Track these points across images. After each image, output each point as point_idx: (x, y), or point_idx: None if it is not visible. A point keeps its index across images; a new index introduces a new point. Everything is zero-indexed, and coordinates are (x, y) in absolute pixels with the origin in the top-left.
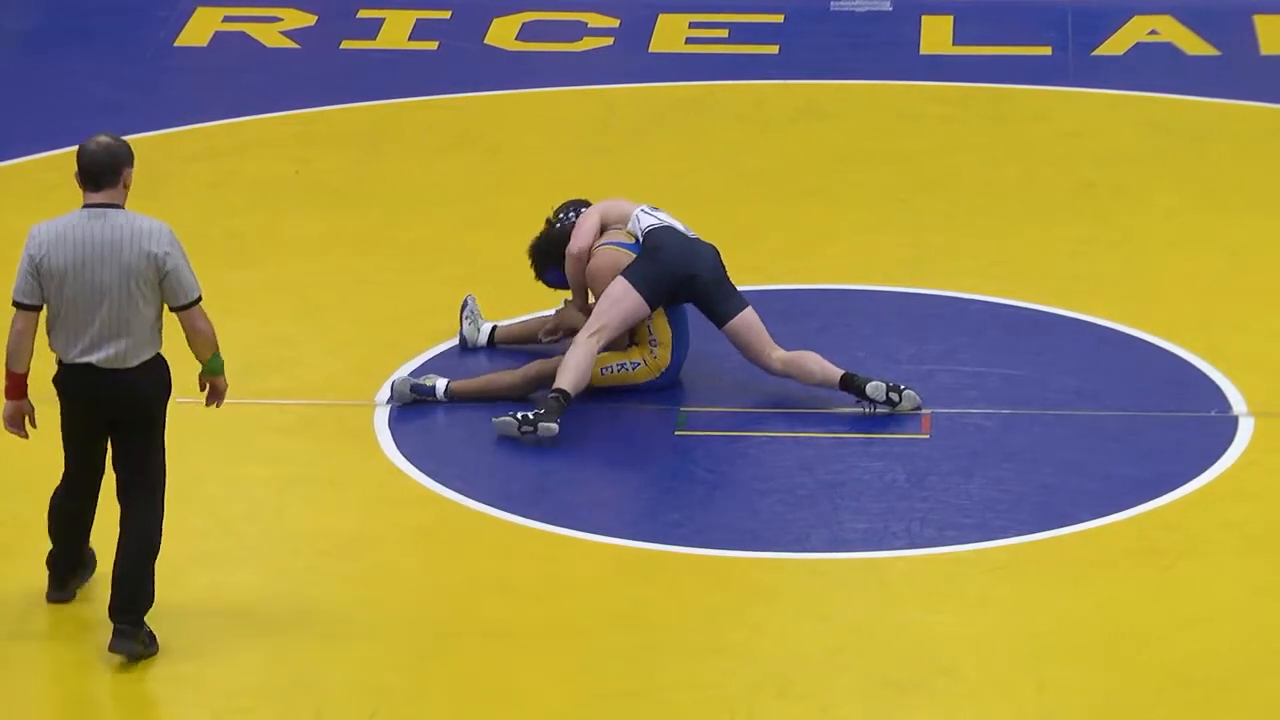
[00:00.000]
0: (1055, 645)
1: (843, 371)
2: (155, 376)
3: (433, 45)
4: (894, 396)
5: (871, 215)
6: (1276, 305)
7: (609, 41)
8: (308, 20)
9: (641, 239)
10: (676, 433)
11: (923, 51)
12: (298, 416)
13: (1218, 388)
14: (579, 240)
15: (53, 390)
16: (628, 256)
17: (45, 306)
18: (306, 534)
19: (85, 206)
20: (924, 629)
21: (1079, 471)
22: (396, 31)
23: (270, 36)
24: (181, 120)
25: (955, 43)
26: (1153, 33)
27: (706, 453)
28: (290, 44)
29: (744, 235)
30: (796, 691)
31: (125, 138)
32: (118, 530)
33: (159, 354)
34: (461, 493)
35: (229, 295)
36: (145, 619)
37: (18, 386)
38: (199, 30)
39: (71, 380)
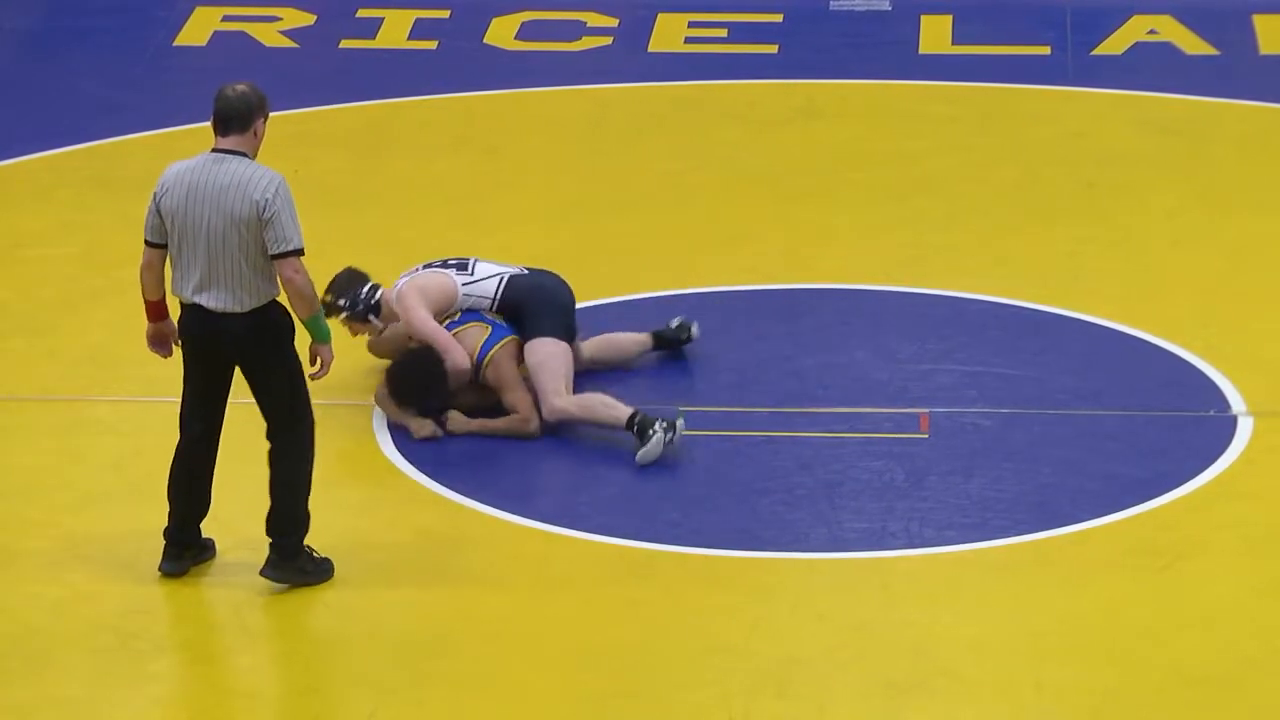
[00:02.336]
0: (1054, 645)
1: (650, 332)
2: (267, 321)
3: (432, 45)
4: (670, 432)
5: (870, 215)
6: (1276, 305)
7: (608, 41)
8: (307, 20)
9: (499, 299)
10: None
11: (922, 51)
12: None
13: (1217, 387)
14: (458, 359)
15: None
16: (483, 329)
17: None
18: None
19: (212, 150)
20: (923, 629)
21: (1078, 471)
22: (396, 31)
23: (269, 36)
24: (180, 120)
25: (954, 42)
26: (1152, 32)
27: (705, 452)
28: (289, 43)
29: (743, 235)
30: (794, 691)
31: (124, 137)
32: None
33: (274, 301)
34: (460, 493)
35: None
36: (305, 548)
37: (156, 310)
38: (198, 30)
39: (186, 319)
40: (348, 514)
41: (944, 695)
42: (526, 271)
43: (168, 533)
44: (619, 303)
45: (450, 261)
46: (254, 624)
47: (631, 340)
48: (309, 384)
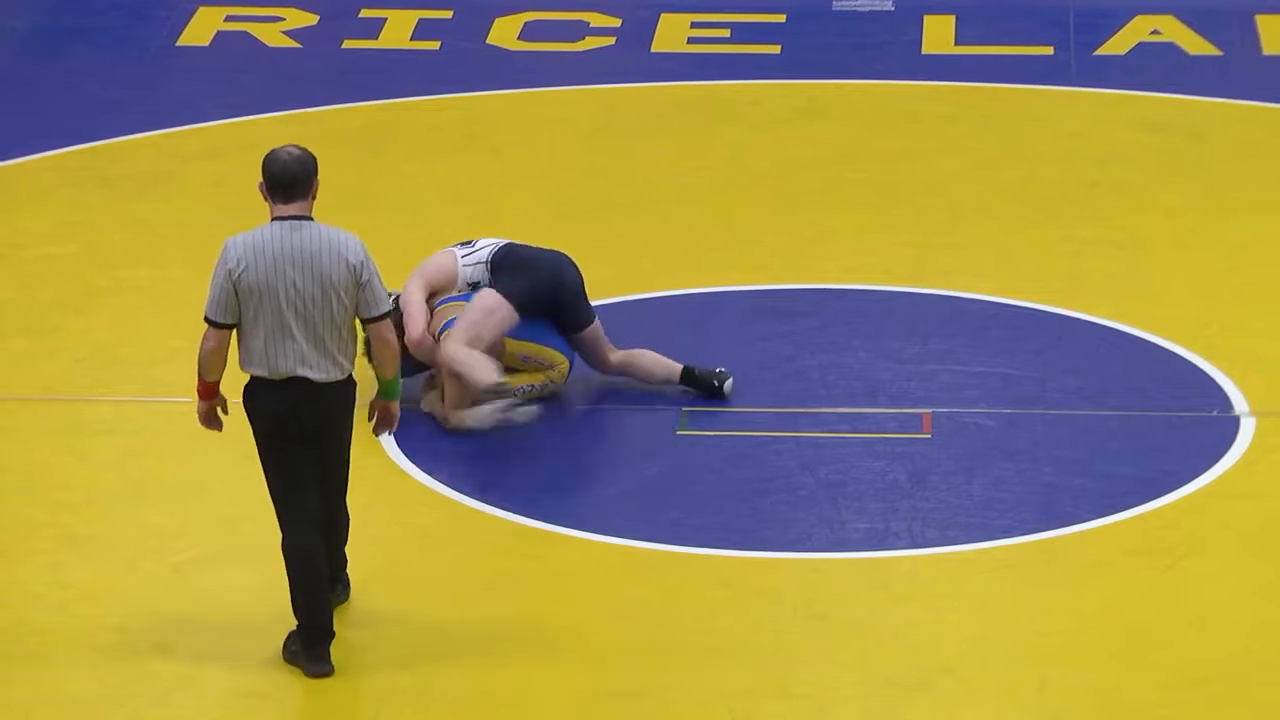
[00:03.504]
0: (1057, 645)
1: (683, 366)
2: (352, 386)
3: (435, 45)
4: (715, 383)
5: (873, 215)
6: (1277, 305)
7: (611, 41)
8: (309, 20)
9: (490, 265)
10: (677, 432)
11: (925, 51)
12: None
13: (1218, 387)
14: (413, 328)
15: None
16: (458, 309)
17: (238, 324)
18: None
19: (276, 219)
20: (925, 628)
21: (1080, 471)
22: (398, 31)
23: (272, 36)
24: (183, 120)
25: (957, 43)
26: (1155, 32)
27: (707, 452)
28: (292, 43)
29: (745, 234)
30: (796, 691)
31: (126, 137)
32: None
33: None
34: (463, 492)
35: None
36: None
37: (213, 389)
38: (201, 30)
39: (274, 395)
40: (351, 513)
41: (946, 695)
42: (535, 248)
43: (317, 631)
44: (622, 303)
45: (466, 241)
46: (257, 624)
47: (660, 366)
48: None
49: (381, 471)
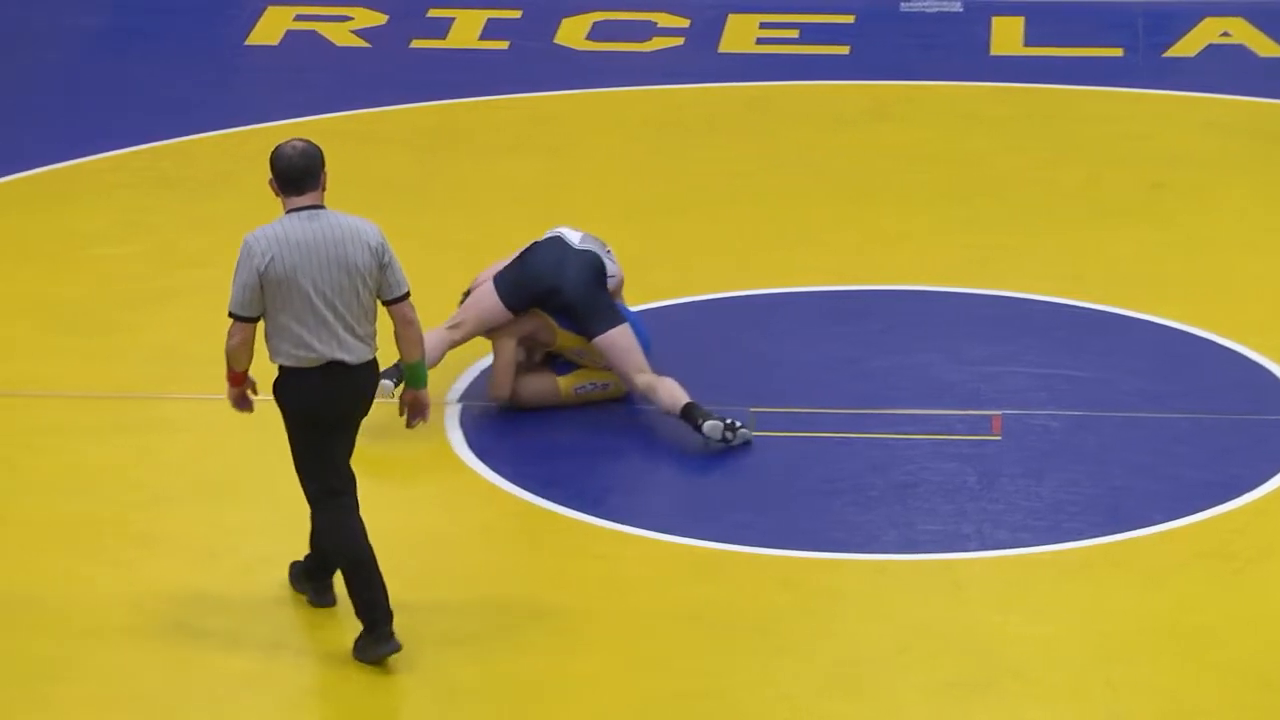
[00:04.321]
0: (1125, 647)
1: (686, 401)
2: (376, 370)
3: (503, 45)
4: (728, 435)
5: (940, 216)
6: None
7: (679, 41)
8: (378, 19)
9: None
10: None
11: (993, 53)
12: (369, 415)
13: None
14: (488, 271)
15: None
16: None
17: (264, 316)
18: (376, 531)
19: (291, 211)
20: (994, 630)
21: (1149, 474)
22: (467, 31)
23: (341, 35)
24: (250, 119)
25: (1026, 44)
26: (1224, 34)
27: (776, 453)
28: (361, 43)
29: (812, 236)
30: (863, 692)
31: (193, 136)
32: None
33: None
34: (531, 491)
35: None
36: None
37: (242, 377)
38: (270, 29)
39: (308, 382)
40: (417, 510)
41: (1013, 696)
42: (572, 246)
43: (379, 613)
44: (688, 304)
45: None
46: (324, 620)
47: (670, 399)
48: None
49: (448, 469)
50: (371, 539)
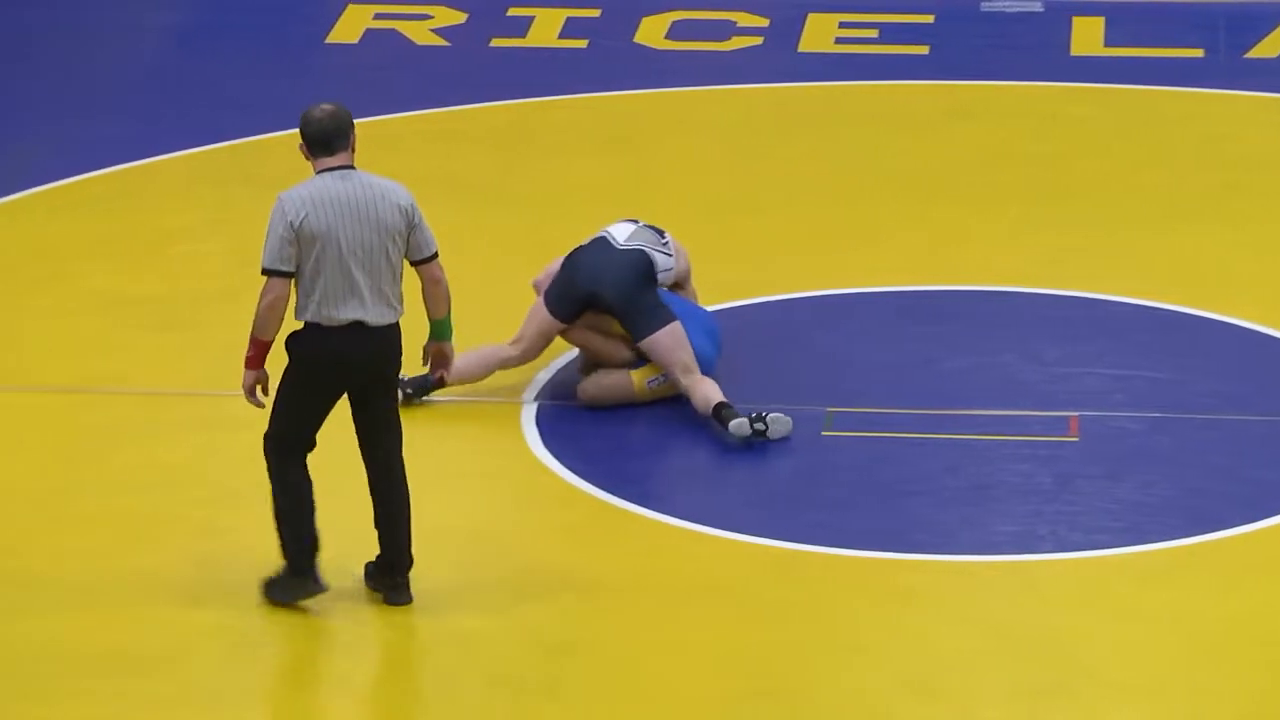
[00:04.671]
0: (1205, 650)
1: (716, 401)
2: (400, 333)
3: (582, 44)
4: (759, 427)
5: (1019, 217)
6: None
7: (758, 41)
8: (458, 18)
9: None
10: (823, 433)
11: (1073, 53)
12: (444, 413)
13: None
14: (541, 274)
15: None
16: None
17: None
18: (452, 530)
19: (323, 171)
20: (1070, 632)
21: (1227, 476)
22: (546, 29)
23: (420, 34)
24: None
25: (1106, 44)
26: None
27: (852, 453)
28: (440, 41)
29: (889, 235)
30: (940, 693)
31: (272, 134)
32: (371, 492)
33: None
34: (606, 490)
35: None
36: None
37: (261, 356)
38: (350, 27)
39: (332, 340)
40: (495, 509)
41: (1091, 699)
42: (616, 246)
43: (306, 556)
44: (765, 303)
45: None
46: (394, 621)
47: (702, 399)
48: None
49: (525, 469)
50: (449, 536)
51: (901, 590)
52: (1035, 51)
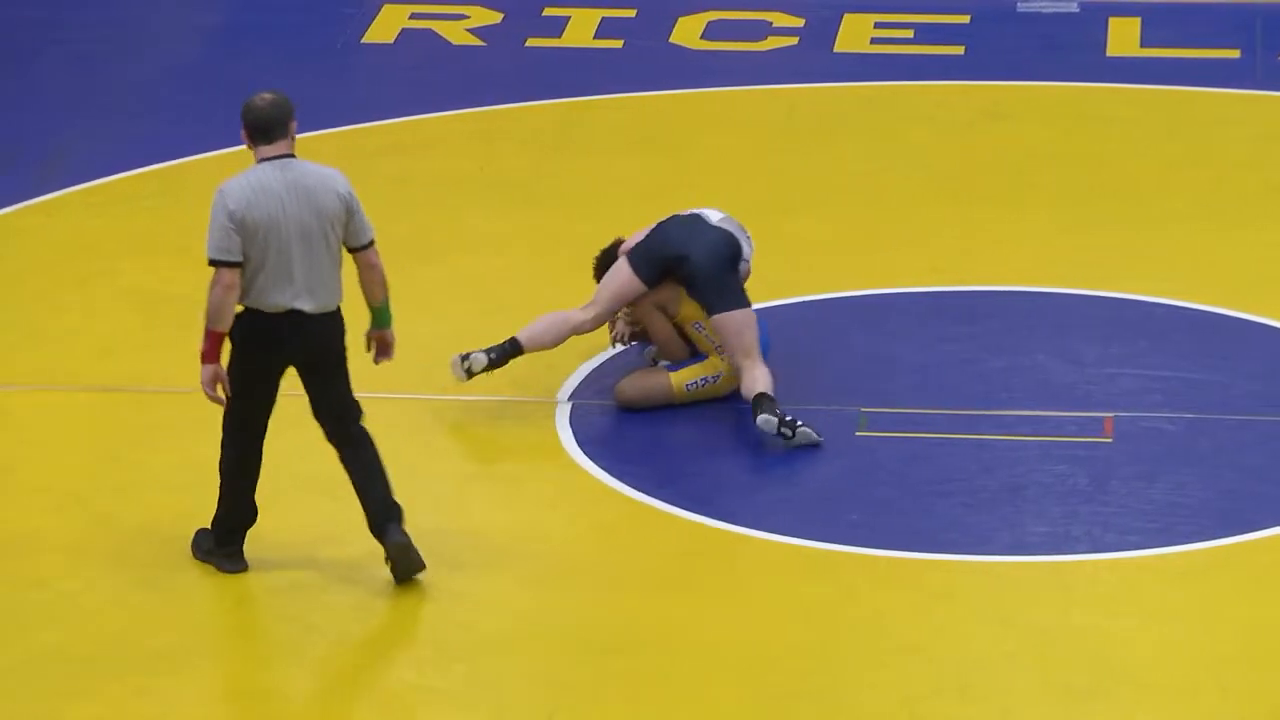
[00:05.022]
0: (1239, 651)
1: (759, 390)
2: (340, 316)
3: (618, 44)
4: (785, 432)
5: (1055, 217)
6: None
7: (793, 41)
8: (494, 18)
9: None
10: (857, 434)
11: (1109, 54)
12: (480, 412)
13: None
14: (629, 241)
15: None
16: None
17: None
18: (486, 529)
19: (263, 160)
20: (1105, 634)
21: (1263, 478)
22: (582, 30)
23: (456, 34)
24: (366, 117)
25: (1142, 45)
26: None
27: (887, 454)
28: (476, 41)
29: (927, 236)
30: (975, 694)
31: (309, 134)
32: (348, 472)
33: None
34: (642, 490)
35: (412, 291)
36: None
37: (216, 349)
38: (386, 27)
39: (271, 327)
40: (529, 509)
41: (1125, 700)
42: (709, 222)
43: (235, 531)
44: (802, 303)
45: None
46: (434, 618)
47: (747, 386)
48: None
49: (559, 468)
50: (483, 536)
51: (936, 591)
52: (1071, 52)
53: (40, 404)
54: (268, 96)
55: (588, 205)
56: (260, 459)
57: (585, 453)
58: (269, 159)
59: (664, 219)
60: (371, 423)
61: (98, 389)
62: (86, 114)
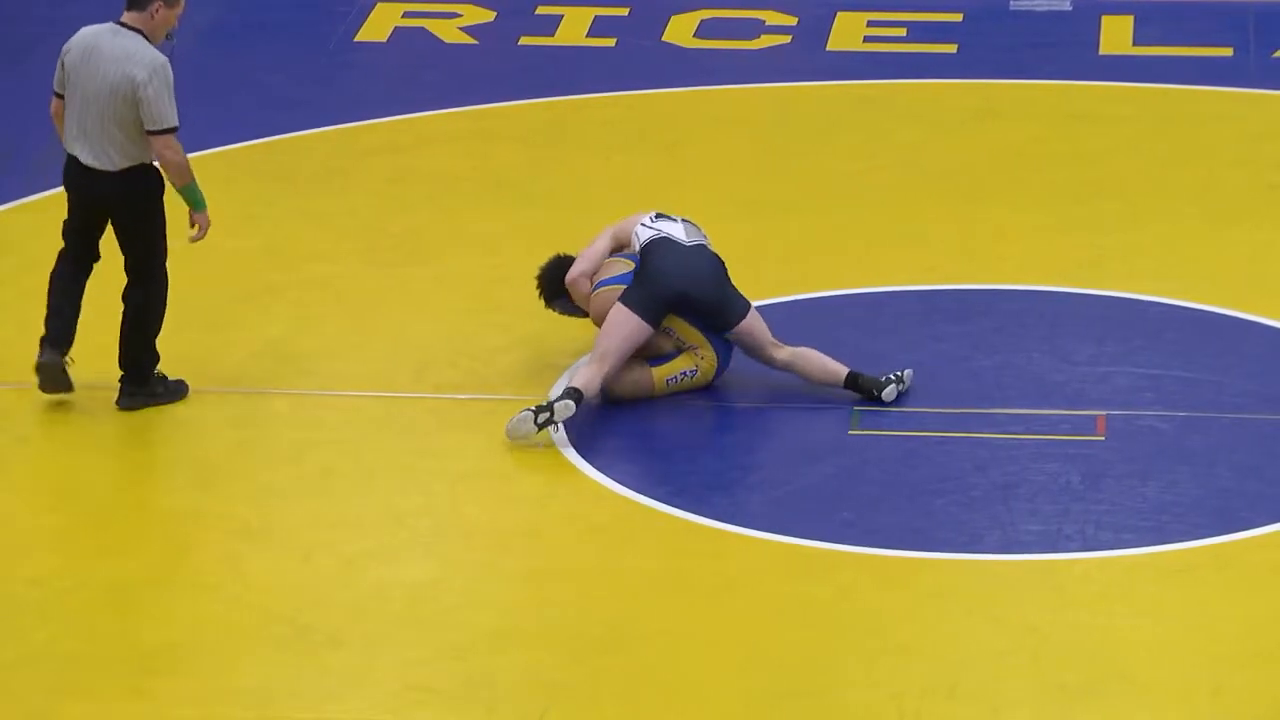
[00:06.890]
0: (1231, 650)
1: (848, 370)
2: (137, 184)
3: (611, 42)
4: (900, 387)
5: (1048, 216)
6: None
7: (787, 39)
8: (486, 16)
9: (641, 250)
10: (850, 432)
11: (1102, 52)
12: (474, 411)
13: None
14: (577, 266)
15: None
16: (622, 266)
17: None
18: (480, 529)
19: (116, 21)
20: (1098, 632)
21: (1256, 476)
22: (575, 28)
23: (449, 32)
24: (360, 115)
25: (1135, 43)
26: None
27: (880, 452)
28: (469, 40)
29: (920, 234)
30: (967, 692)
31: (304, 132)
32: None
33: (145, 165)
34: (634, 489)
35: (405, 290)
36: (156, 376)
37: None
38: (379, 26)
39: (66, 165)
40: (521, 508)
41: (1118, 699)
42: (684, 244)
43: (53, 335)
44: (795, 301)
45: (664, 215)
46: (427, 617)
47: (824, 369)
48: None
49: (554, 468)
50: (476, 536)
51: (929, 589)
52: (1064, 50)
53: (35, 402)
54: None
55: (581, 204)
56: (80, 285)
57: (578, 452)
58: (118, 21)
59: (639, 256)
60: (365, 421)
61: (94, 387)
62: None
